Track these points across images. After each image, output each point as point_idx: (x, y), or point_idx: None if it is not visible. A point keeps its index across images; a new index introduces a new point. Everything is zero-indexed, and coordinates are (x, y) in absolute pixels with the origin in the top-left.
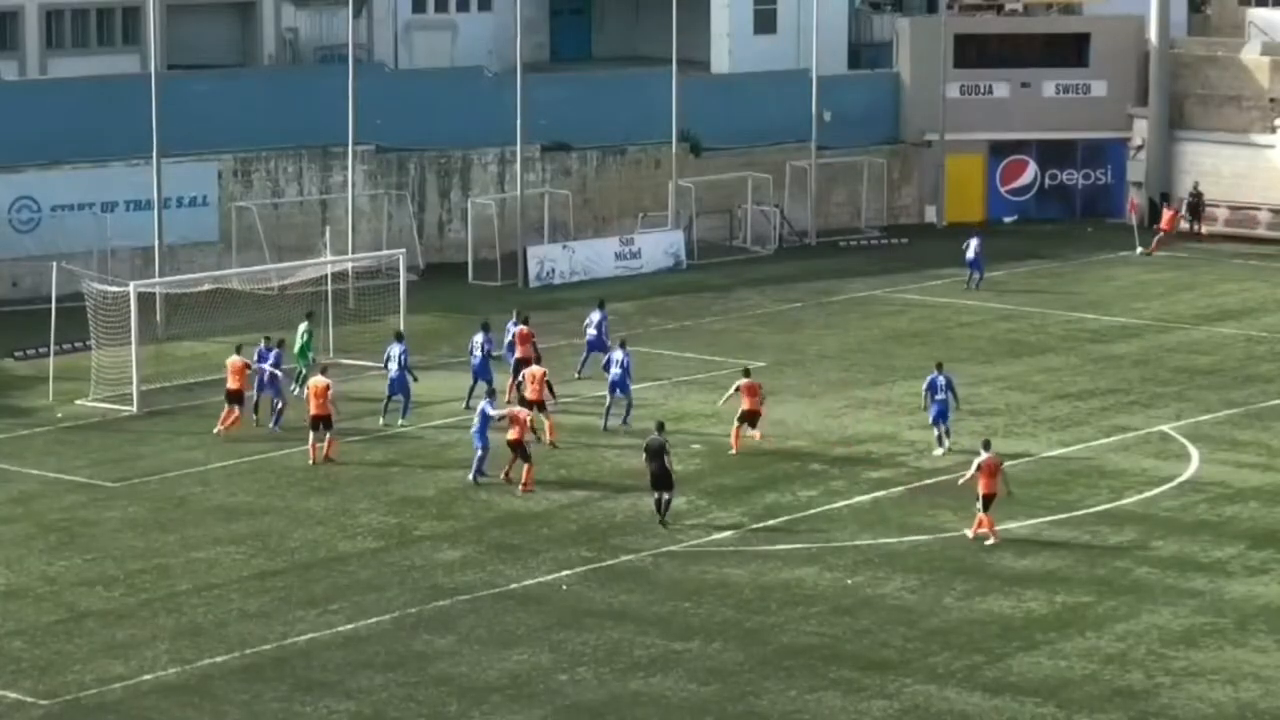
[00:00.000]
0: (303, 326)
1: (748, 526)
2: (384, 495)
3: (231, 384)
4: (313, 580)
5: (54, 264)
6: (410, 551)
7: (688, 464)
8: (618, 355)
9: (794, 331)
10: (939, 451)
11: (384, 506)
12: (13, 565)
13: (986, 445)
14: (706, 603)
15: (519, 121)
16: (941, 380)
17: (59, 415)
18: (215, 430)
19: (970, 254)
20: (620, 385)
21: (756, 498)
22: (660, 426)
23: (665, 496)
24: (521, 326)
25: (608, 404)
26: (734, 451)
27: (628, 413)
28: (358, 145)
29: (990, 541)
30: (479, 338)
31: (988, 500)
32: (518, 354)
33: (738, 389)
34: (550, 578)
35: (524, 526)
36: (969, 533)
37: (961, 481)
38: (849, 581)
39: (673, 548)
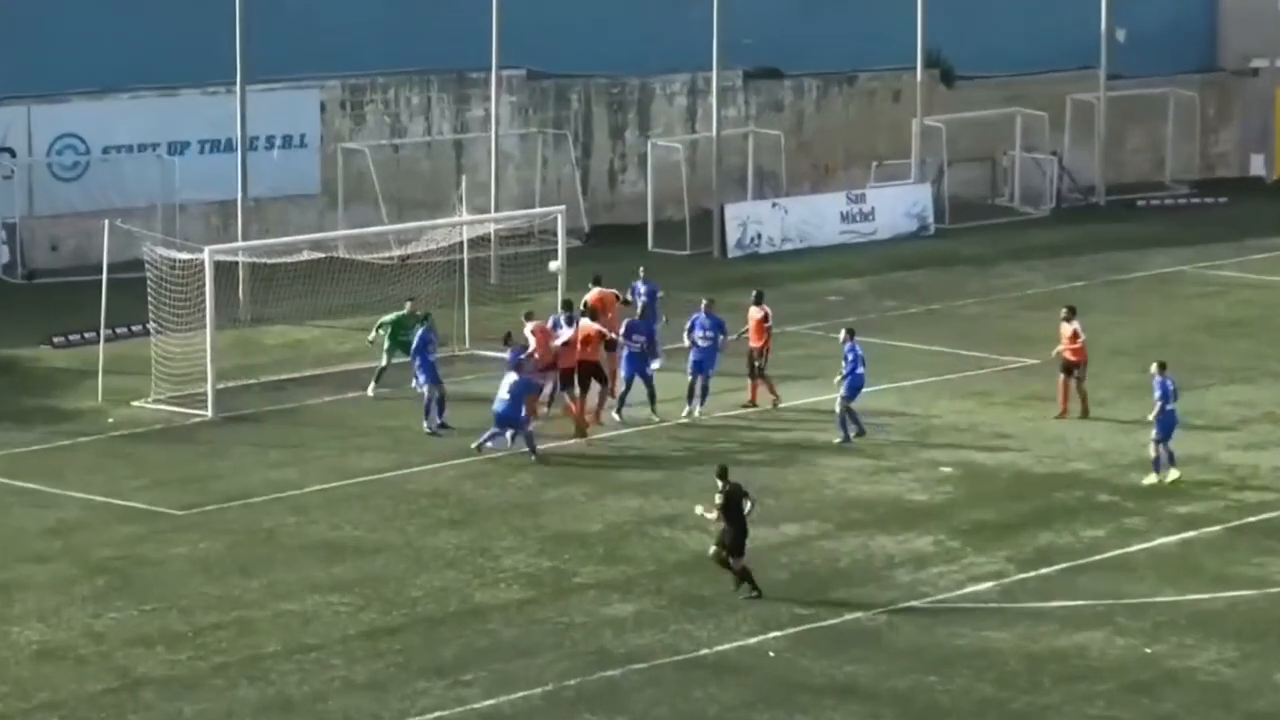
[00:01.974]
0: (393, 316)
1: (1013, 576)
2: (535, 530)
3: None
4: (440, 642)
5: (105, 222)
6: (569, 604)
7: (934, 493)
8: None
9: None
10: (1150, 480)
11: (535, 544)
12: (49, 617)
13: None
14: (959, 676)
15: (715, 39)
16: (1171, 385)
17: (110, 420)
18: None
19: None
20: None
21: (1025, 538)
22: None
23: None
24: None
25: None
26: (1061, 413)
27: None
28: (503, 69)
29: None
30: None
31: None
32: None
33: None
34: (753, 641)
35: (718, 573)
36: None
37: None
38: (1147, 650)
39: (914, 603)
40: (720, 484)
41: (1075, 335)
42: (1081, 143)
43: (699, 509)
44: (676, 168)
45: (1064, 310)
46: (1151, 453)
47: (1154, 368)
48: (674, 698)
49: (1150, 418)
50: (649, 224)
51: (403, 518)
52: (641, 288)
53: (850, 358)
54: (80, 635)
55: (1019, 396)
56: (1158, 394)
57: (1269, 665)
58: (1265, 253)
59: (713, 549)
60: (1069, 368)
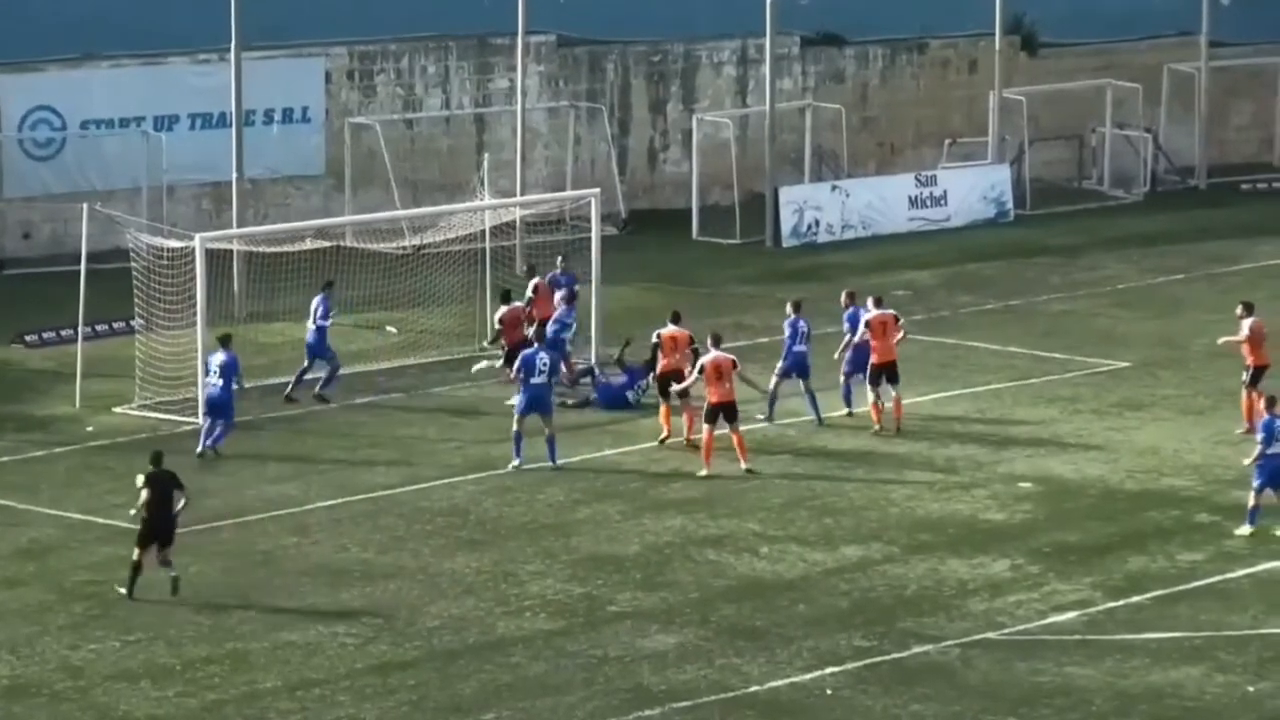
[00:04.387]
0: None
1: (1101, 605)
2: (565, 552)
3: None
4: (458, 677)
5: (84, 207)
6: (602, 636)
7: (1012, 512)
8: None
9: (1173, 315)
10: (1243, 531)
11: (564, 568)
12: (20, 649)
13: None
14: (1041, 717)
15: (768, 1)
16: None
17: (89, 429)
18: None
19: None
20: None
21: (1114, 562)
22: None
23: None
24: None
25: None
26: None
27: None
28: (530, 35)
29: None
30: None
31: None
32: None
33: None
34: (808, 678)
35: (770, 600)
36: None
37: None
38: (1250, 689)
39: (990, 635)
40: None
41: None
42: (1180, 119)
43: None
44: (725, 146)
45: (1239, 307)
46: (1250, 501)
47: (1262, 404)
48: None
49: (1247, 463)
50: (694, 209)
51: (417, 538)
52: (561, 279)
53: (789, 332)
54: (56, 669)
55: (1108, 404)
56: (1261, 435)
57: None
58: None
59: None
60: (1256, 375)
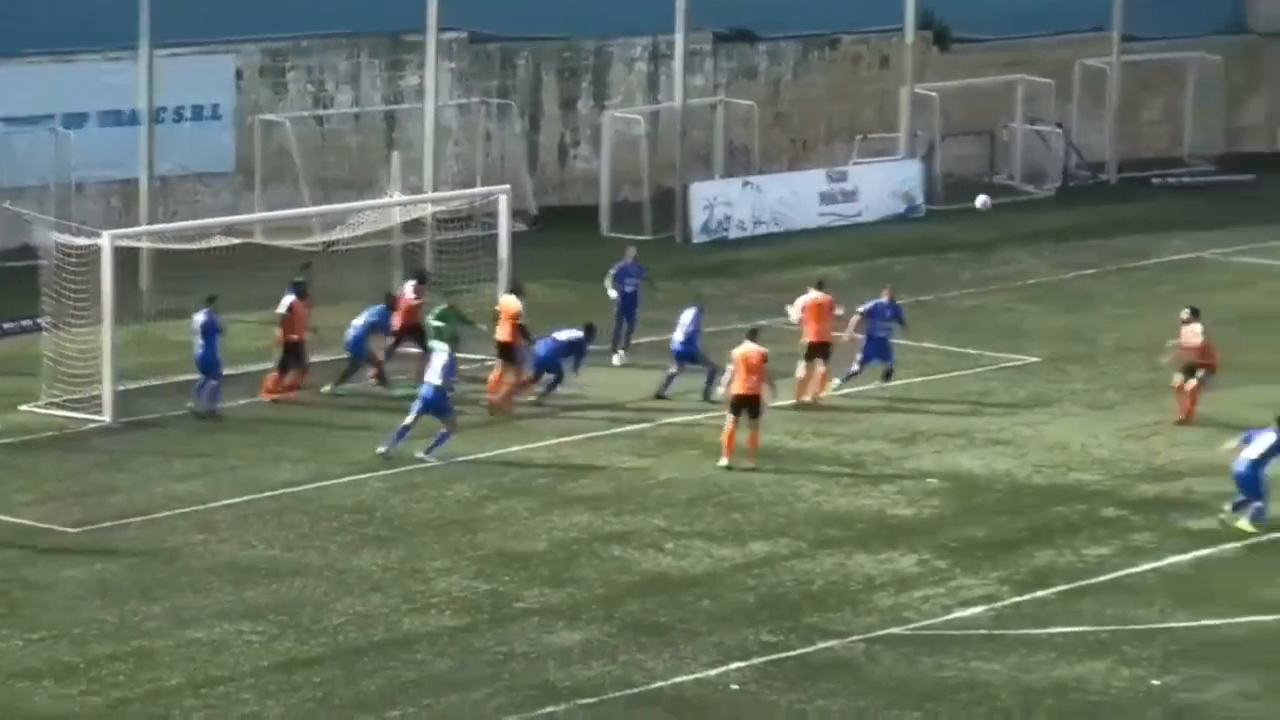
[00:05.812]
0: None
1: (1007, 600)
2: (471, 549)
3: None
4: (364, 674)
5: None
6: (509, 632)
7: (920, 507)
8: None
9: (1083, 310)
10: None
11: (471, 565)
12: None
13: None
14: (945, 712)
15: None
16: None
17: None
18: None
19: None
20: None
21: (1021, 557)
22: None
23: None
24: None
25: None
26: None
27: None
28: (442, 32)
29: None
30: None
31: None
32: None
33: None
34: (713, 673)
35: (676, 596)
36: None
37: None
38: (1155, 682)
39: (896, 630)
40: None
41: (1206, 342)
42: (1091, 114)
43: None
44: (636, 142)
45: (1185, 311)
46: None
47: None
48: None
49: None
50: (604, 206)
51: (322, 536)
52: (633, 269)
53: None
54: None
55: (1017, 399)
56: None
57: None
58: None
59: None
60: (1191, 369)
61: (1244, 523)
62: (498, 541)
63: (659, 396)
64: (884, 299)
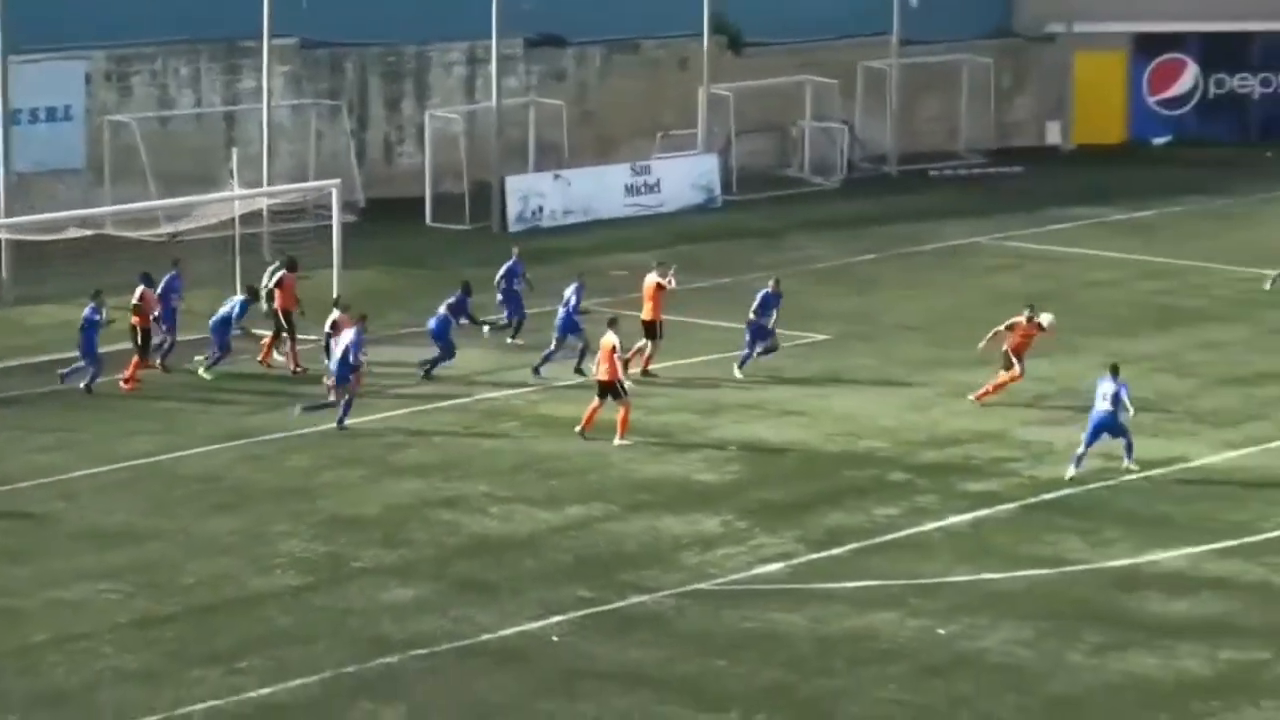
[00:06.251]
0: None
1: (803, 557)
2: (311, 514)
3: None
4: (215, 630)
5: None
6: (347, 591)
7: (722, 473)
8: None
9: (866, 293)
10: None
11: (310, 529)
12: None
13: None
14: (748, 660)
15: (494, 6)
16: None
17: None
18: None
19: None
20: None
21: (815, 518)
22: None
23: None
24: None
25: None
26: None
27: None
28: (275, 38)
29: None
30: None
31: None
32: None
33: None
34: (536, 626)
35: (500, 557)
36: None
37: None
38: (941, 632)
39: (702, 585)
40: None
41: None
42: (874, 111)
43: None
44: (455, 139)
45: (1027, 309)
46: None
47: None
48: (455, 686)
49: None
50: (427, 197)
51: (175, 503)
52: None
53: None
54: None
55: (809, 373)
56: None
57: (1063, 646)
58: (1062, 223)
59: None
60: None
61: (1130, 463)
62: (334, 507)
63: (535, 371)
64: (770, 290)
